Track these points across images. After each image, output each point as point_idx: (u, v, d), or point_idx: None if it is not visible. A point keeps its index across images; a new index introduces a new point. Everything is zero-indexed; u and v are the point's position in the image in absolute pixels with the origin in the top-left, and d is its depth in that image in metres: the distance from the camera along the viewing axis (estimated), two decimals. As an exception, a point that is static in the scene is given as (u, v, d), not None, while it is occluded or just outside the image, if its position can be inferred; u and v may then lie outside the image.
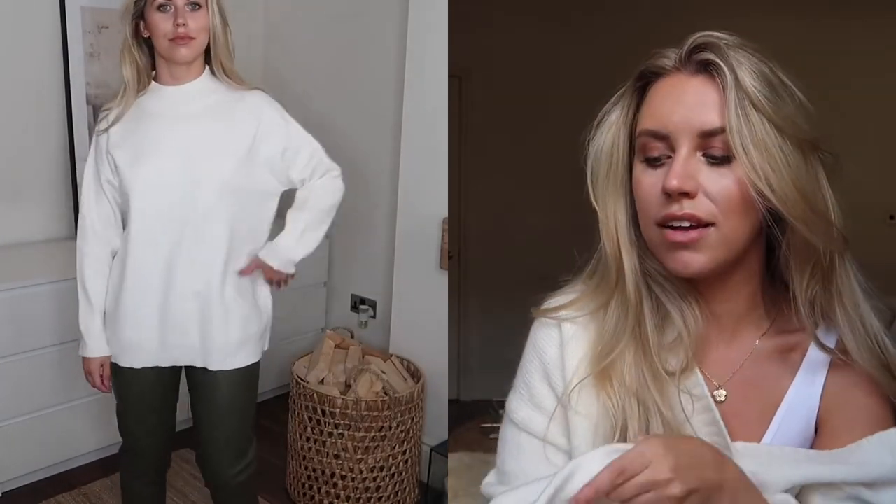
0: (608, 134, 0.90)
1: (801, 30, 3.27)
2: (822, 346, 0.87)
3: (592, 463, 0.79)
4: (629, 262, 0.89)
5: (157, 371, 1.69)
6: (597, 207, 0.91)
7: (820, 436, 0.89)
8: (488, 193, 3.63)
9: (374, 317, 2.96)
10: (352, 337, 2.84)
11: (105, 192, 1.65)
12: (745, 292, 0.91)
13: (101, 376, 1.70)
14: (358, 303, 3.00)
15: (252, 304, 1.71)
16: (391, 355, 2.61)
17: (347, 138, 2.83)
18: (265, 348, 1.78)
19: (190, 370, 1.71)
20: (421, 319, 2.57)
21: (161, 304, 1.63)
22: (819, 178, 0.84)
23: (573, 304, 0.95)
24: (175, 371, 1.72)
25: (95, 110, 2.67)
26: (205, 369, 1.68)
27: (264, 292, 1.75)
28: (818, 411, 0.89)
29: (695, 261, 0.84)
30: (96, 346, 1.68)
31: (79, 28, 2.61)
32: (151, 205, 1.59)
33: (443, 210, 2.45)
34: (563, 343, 0.94)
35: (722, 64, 0.82)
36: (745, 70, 0.81)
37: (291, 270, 1.75)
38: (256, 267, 1.70)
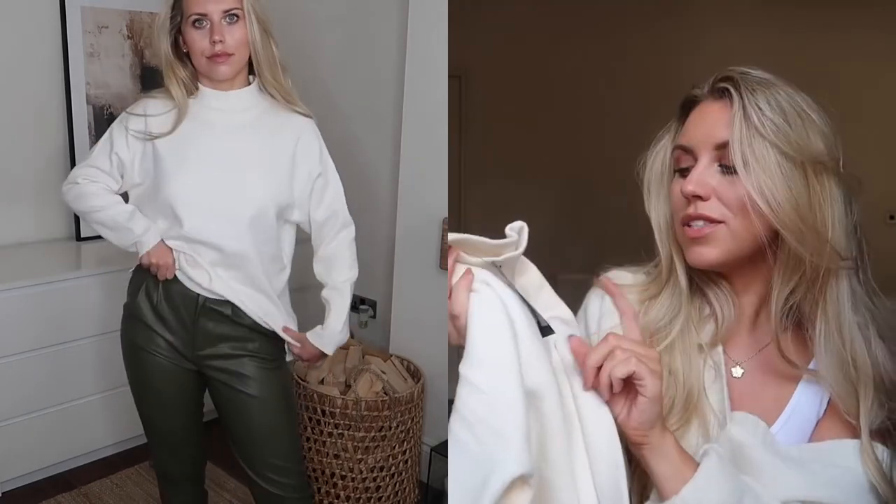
0: (660, 153, 1.06)
1: (800, 30, 3.27)
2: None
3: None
4: (679, 259, 1.02)
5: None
6: (650, 216, 1.05)
7: (823, 418, 0.98)
8: (488, 193, 3.63)
9: (374, 317, 2.96)
10: (352, 337, 2.84)
11: (112, 162, 1.60)
12: (760, 290, 1.01)
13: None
14: (358, 303, 3.00)
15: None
16: (391, 355, 2.61)
17: (347, 138, 2.84)
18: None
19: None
20: (421, 319, 2.57)
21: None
22: (823, 196, 0.93)
23: (634, 287, 1.08)
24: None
25: (95, 110, 2.67)
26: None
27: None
28: (830, 395, 0.97)
29: (707, 253, 0.97)
30: (154, 233, 1.59)
31: (79, 28, 2.61)
32: (194, 214, 1.56)
33: (443, 210, 2.45)
34: (603, 310, 1.06)
35: (733, 91, 0.96)
36: (760, 97, 0.94)
37: (331, 352, 1.76)
38: (299, 341, 1.72)
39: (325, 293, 1.75)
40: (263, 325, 1.65)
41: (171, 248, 1.59)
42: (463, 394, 0.82)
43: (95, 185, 1.62)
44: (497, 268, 0.89)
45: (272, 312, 1.66)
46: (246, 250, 1.59)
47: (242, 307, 1.62)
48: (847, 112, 0.99)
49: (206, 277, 1.59)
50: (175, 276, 1.60)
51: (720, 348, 1.01)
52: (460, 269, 0.88)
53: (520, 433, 0.79)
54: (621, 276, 1.10)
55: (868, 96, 3.21)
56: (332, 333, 1.73)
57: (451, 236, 0.88)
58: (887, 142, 3.14)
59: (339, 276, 1.74)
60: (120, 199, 1.65)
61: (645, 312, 1.04)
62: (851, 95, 3.19)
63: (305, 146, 1.64)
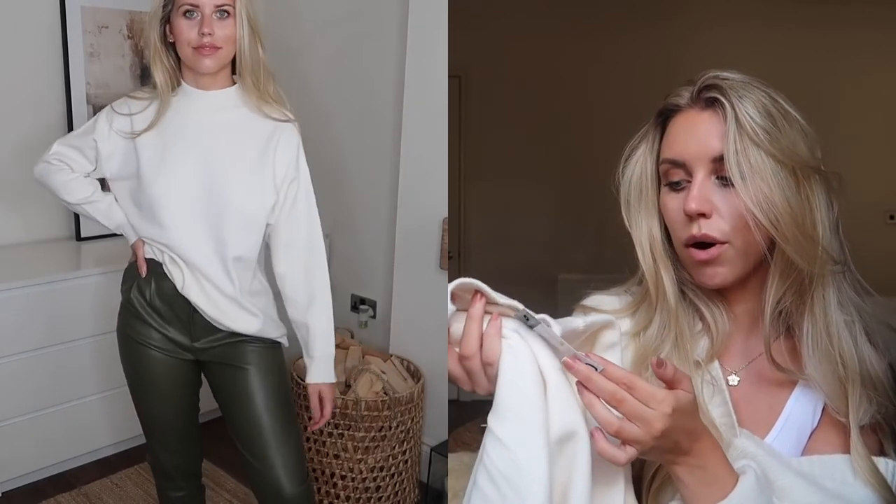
0: (637, 165, 1.02)
1: (802, 31, 3.27)
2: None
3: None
4: (667, 275, 1.00)
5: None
6: (631, 231, 1.02)
7: (820, 424, 0.97)
8: (488, 193, 3.63)
9: (374, 317, 2.96)
10: (352, 337, 2.84)
11: (83, 149, 1.62)
12: (756, 297, 1.00)
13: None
14: (358, 303, 3.00)
15: None
16: (391, 355, 2.62)
17: (347, 138, 2.84)
18: None
19: None
20: (421, 319, 2.57)
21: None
22: (812, 200, 0.93)
23: (622, 311, 1.05)
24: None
25: (95, 110, 2.67)
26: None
27: None
28: (825, 401, 0.96)
29: (718, 274, 0.96)
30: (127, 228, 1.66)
31: (79, 28, 2.61)
32: (174, 216, 1.56)
33: (443, 210, 2.45)
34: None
35: (724, 101, 0.93)
36: (748, 104, 0.92)
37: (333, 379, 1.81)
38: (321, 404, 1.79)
39: (301, 317, 1.78)
40: (231, 329, 1.65)
41: (143, 243, 1.63)
42: (488, 446, 0.84)
43: (63, 174, 1.65)
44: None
45: (242, 316, 1.66)
46: (225, 254, 1.59)
47: (208, 311, 1.61)
48: (847, 112, 0.99)
49: (181, 281, 1.60)
50: (164, 273, 1.62)
51: (717, 363, 1.00)
52: (469, 311, 0.87)
53: (540, 494, 0.80)
54: (605, 301, 1.07)
55: (868, 96, 3.22)
56: (326, 358, 1.81)
57: (468, 281, 0.87)
58: (887, 142, 3.14)
59: (321, 298, 1.81)
60: (87, 190, 1.67)
61: (642, 338, 1.01)
62: (851, 95, 3.19)
63: (283, 149, 1.62)
